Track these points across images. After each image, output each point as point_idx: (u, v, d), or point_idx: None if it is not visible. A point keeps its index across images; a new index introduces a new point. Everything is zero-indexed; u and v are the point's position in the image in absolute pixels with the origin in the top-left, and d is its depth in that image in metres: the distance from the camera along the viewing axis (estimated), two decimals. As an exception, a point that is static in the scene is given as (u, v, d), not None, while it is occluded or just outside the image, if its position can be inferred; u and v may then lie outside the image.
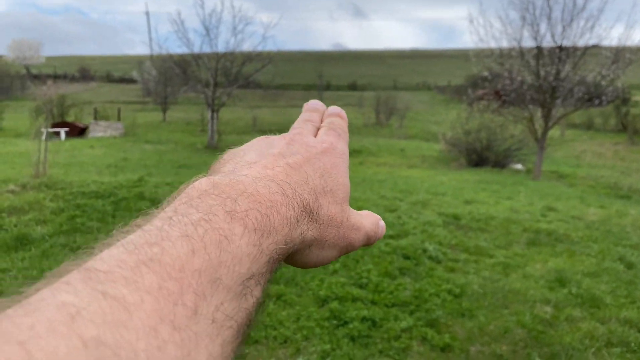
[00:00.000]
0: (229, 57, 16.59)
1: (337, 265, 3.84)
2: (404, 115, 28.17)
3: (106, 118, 22.50)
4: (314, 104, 0.44)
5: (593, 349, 2.87)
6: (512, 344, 2.90)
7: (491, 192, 8.49)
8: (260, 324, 2.85)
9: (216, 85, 16.50)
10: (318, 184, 0.32)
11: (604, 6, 11.20)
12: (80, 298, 0.18)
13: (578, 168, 14.82)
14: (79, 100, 27.31)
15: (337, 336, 2.86)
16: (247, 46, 17.48)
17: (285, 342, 2.80)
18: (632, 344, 2.95)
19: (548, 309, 3.39)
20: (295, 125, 0.40)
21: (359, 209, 0.37)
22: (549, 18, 11.41)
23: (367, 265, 3.89)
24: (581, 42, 11.31)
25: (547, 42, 11.57)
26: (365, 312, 3.12)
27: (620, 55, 11.17)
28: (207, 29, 16.66)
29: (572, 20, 11.24)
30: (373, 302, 3.32)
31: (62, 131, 17.81)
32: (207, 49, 16.83)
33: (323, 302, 3.28)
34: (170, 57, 18.42)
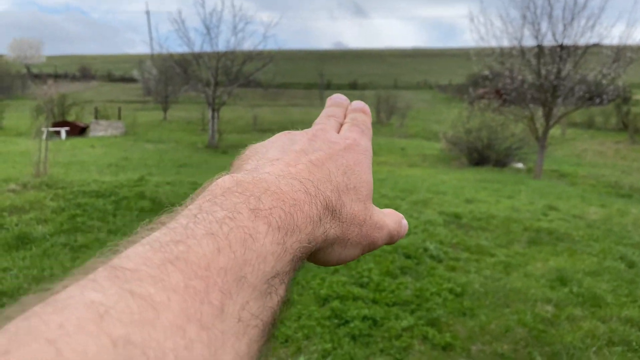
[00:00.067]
0: (230, 56, 16.59)
1: (338, 264, 3.83)
2: (405, 114, 28.16)
3: (107, 117, 22.51)
4: (338, 98, 0.43)
5: (594, 348, 2.87)
6: (513, 343, 2.90)
7: (492, 191, 8.48)
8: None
9: (217, 84, 16.50)
10: (341, 181, 0.32)
11: (604, 5, 11.19)
12: (108, 296, 0.18)
13: (579, 167, 14.81)
14: (79, 99, 27.32)
15: (338, 335, 2.86)
16: (247, 45, 17.52)
17: (286, 341, 2.80)
18: (634, 343, 2.94)
19: (549, 308, 3.39)
20: (318, 120, 0.40)
21: None
22: (550, 17, 11.40)
23: (368, 264, 3.89)
24: (582, 41, 11.31)
25: (548, 41, 11.57)
26: (366, 311, 3.12)
27: (621, 54, 11.15)
28: (207, 28, 16.67)
29: (573, 19, 11.23)
30: (374, 301, 3.32)
31: (63, 130, 17.81)
32: (207, 48, 16.86)
33: (324, 301, 3.28)
34: (170, 56, 18.40)
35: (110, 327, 0.17)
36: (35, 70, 63.55)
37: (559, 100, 11.48)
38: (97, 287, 0.18)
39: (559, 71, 11.31)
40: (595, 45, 11.45)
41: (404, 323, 3.02)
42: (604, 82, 11.39)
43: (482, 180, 10.16)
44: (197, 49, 16.83)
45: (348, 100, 0.43)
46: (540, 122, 11.84)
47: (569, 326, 3.14)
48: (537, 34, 11.59)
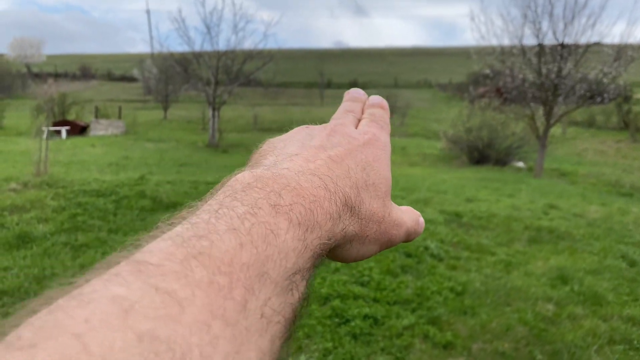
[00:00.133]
0: (230, 55, 16.59)
1: (339, 263, 3.83)
2: (405, 113, 28.14)
3: (107, 116, 22.51)
4: (355, 93, 0.43)
5: (595, 347, 2.86)
6: (514, 342, 2.90)
7: (492, 189, 8.48)
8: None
9: (217, 83, 16.49)
10: (360, 177, 0.32)
11: (605, 3, 11.20)
12: (132, 291, 0.18)
13: (579, 166, 14.80)
14: (80, 98, 27.32)
15: (339, 334, 2.86)
16: (248, 44, 17.45)
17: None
18: (635, 342, 2.94)
19: (550, 306, 3.39)
20: (336, 115, 0.39)
21: None
22: (551, 15, 11.40)
23: (368, 263, 3.88)
24: (583, 40, 11.32)
25: (549, 40, 11.57)
26: (367, 310, 3.12)
27: (622, 52, 11.15)
28: (208, 27, 16.67)
29: (573, 17, 11.23)
30: (375, 300, 3.32)
31: (63, 130, 17.80)
32: (208, 47, 16.87)
33: (325, 300, 3.28)
34: (171, 55, 18.39)
35: (136, 322, 0.17)
36: (35, 70, 63.57)
37: (560, 99, 11.48)
38: (121, 281, 0.18)
39: (559, 70, 11.31)
40: (596, 44, 11.45)
41: (405, 322, 3.02)
42: (605, 80, 11.39)
43: (482, 179, 10.16)
44: (197, 48, 16.85)
45: (366, 95, 0.43)
46: (540, 121, 11.84)
47: (569, 325, 3.14)
48: (537, 32, 11.60)
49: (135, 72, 48.73)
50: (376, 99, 0.42)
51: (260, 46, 17.20)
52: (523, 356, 2.77)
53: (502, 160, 13.74)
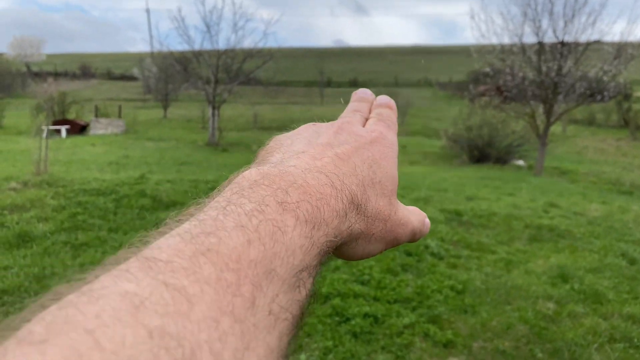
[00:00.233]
0: (230, 53, 16.56)
1: (339, 262, 3.84)
2: (406, 112, 28.12)
3: (107, 115, 22.48)
4: (363, 93, 0.43)
5: (596, 345, 2.86)
6: (515, 340, 2.90)
7: (493, 188, 8.48)
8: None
9: (217, 82, 16.48)
10: (366, 175, 0.32)
11: (605, 1, 11.18)
12: (142, 287, 0.18)
13: (580, 164, 14.80)
14: (79, 97, 27.32)
15: (339, 333, 2.86)
16: (247, 43, 17.36)
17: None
18: (635, 340, 2.94)
19: (550, 305, 3.39)
20: (343, 114, 0.39)
21: None
22: (551, 13, 11.39)
23: (369, 262, 3.88)
24: (583, 38, 11.30)
25: (549, 38, 11.56)
26: (367, 309, 3.12)
27: (622, 50, 11.13)
28: (207, 26, 16.64)
29: (573, 15, 11.21)
30: (375, 299, 3.32)
31: (63, 129, 17.78)
32: (207, 46, 16.82)
33: (325, 298, 3.28)
34: (171, 54, 18.36)
35: (146, 318, 0.17)
36: (35, 69, 63.54)
37: (560, 97, 11.47)
38: (131, 277, 0.18)
39: (559, 68, 11.30)
40: (596, 42, 11.43)
41: (405, 320, 3.02)
42: (605, 79, 11.38)
43: (483, 178, 10.16)
44: (197, 46, 16.80)
45: (373, 95, 0.43)
46: (541, 119, 11.83)
47: (570, 323, 3.14)
48: (537, 30, 11.58)
49: (135, 71, 48.74)
50: (384, 98, 0.42)
51: (260, 45, 17.19)
52: (523, 354, 2.77)
53: (502, 158, 13.74)
